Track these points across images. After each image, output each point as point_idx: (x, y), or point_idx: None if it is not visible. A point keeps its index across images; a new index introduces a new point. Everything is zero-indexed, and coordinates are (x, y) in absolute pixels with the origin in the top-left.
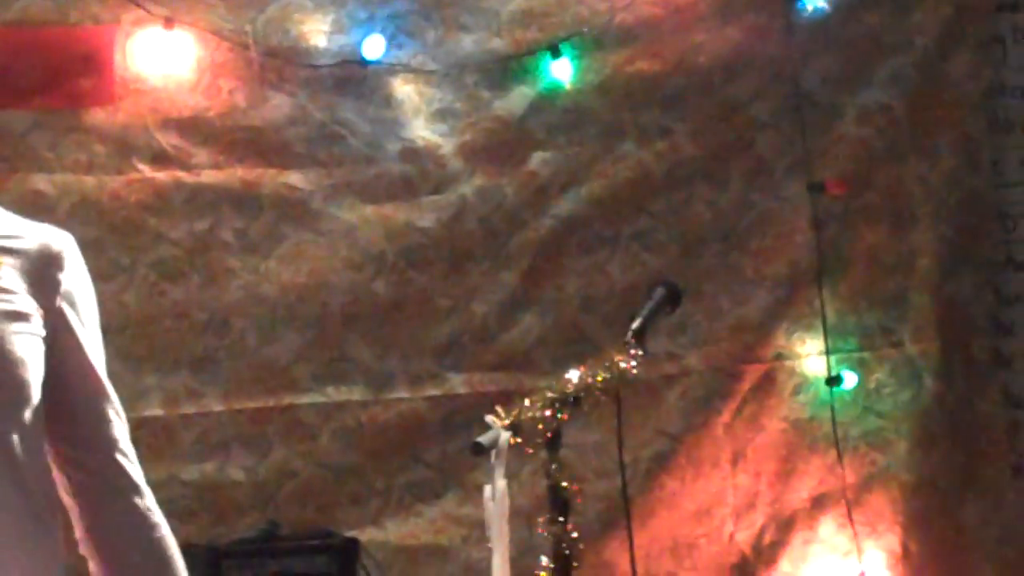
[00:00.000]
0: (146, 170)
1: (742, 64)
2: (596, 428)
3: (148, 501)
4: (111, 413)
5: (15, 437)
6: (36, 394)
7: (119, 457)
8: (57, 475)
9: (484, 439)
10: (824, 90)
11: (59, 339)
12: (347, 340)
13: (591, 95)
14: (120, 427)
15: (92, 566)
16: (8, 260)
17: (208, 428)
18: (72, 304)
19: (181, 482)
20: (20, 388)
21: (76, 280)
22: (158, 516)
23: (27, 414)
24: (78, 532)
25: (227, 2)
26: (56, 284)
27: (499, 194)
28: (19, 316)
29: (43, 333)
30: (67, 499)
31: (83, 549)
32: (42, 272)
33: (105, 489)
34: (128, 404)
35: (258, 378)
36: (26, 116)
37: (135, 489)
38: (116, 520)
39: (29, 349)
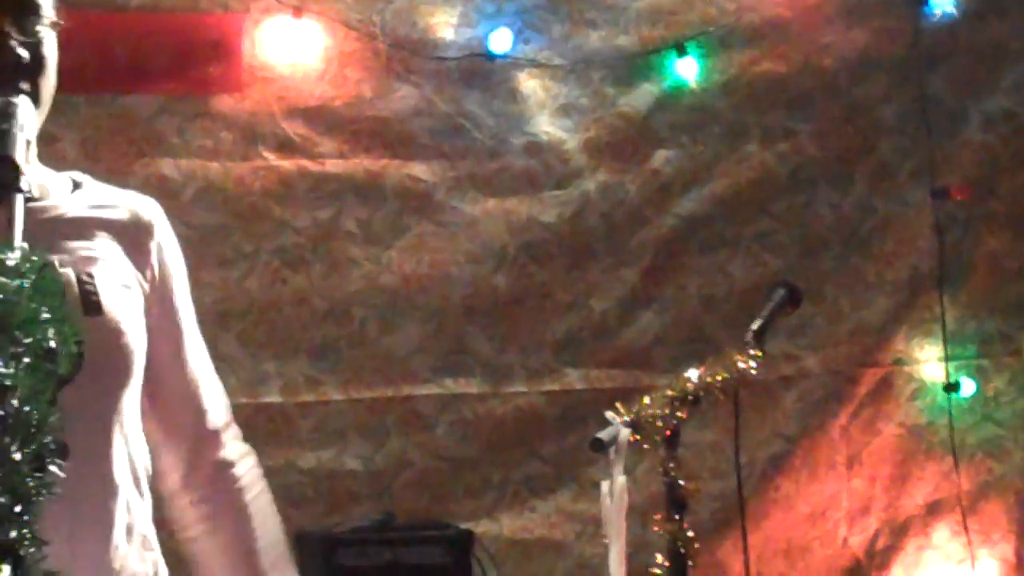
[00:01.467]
0: (271, 158)
1: (868, 67)
2: (712, 427)
3: (240, 470)
4: (203, 385)
5: (122, 406)
6: (141, 364)
7: (210, 429)
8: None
9: (604, 435)
10: (950, 95)
11: (153, 309)
12: (466, 333)
13: (716, 94)
14: (212, 399)
15: (189, 539)
16: (104, 231)
17: (326, 416)
18: (165, 274)
19: (298, 469)
20: (128, 359)
21: (168, 249)
22: (252, 485)
23: (132, 384)
24: (173, 504)
25: None
26: (148, 253)
27: (622, 191)
28: (123, 287)
29: (142, 303)
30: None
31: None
32: (136, 241)
33: (197, 462)
34: (247, 390)
35: (377, 368)
36: (154, 101)
37: (226, 463)
38: (209, 491)
39: (134, 320)
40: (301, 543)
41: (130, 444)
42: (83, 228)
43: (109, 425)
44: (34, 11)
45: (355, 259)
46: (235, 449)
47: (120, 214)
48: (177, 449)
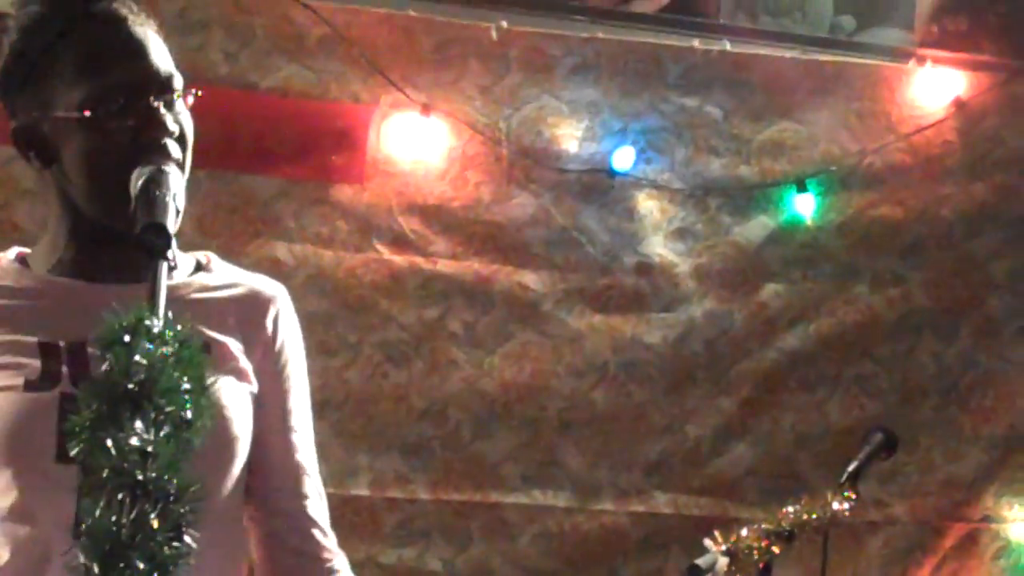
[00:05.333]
0: (384, 252)
1: (985, 221)
2: (797, 567)
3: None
4: (307, 479)
5: (223, 491)
6: (245, 450)
7: (308, 521)
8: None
9: (702, 562)
10: None
11: (266, 395)
12: (559, 445)
13: (831, 233)
14: (312, 486)
15: None
16: (220, 314)
17: (412, 515)
18: (281, 359)
19: (379, 565)
20: (232, 444)
21: (286, 328)
22: None
23: (235, 469)
24: None
25: (485, 96)
26: (264, 329)
27: (728, 320)
28: (235, 371)
29: (255, 388)
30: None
31: None
32: (252, 319)
33: (291, 553)
34: (336, 481)
35: (467, 472)
36: (274, 183)
37: (320, 559)
38: None
39: (241, 404)
40: None
41: (229, 530)
42: (199, 310)
43: (215, 504)
44: (176, 88)
45: (456, 361)
46: (341, 562)
47: (239, 292)
48: (267, 541)
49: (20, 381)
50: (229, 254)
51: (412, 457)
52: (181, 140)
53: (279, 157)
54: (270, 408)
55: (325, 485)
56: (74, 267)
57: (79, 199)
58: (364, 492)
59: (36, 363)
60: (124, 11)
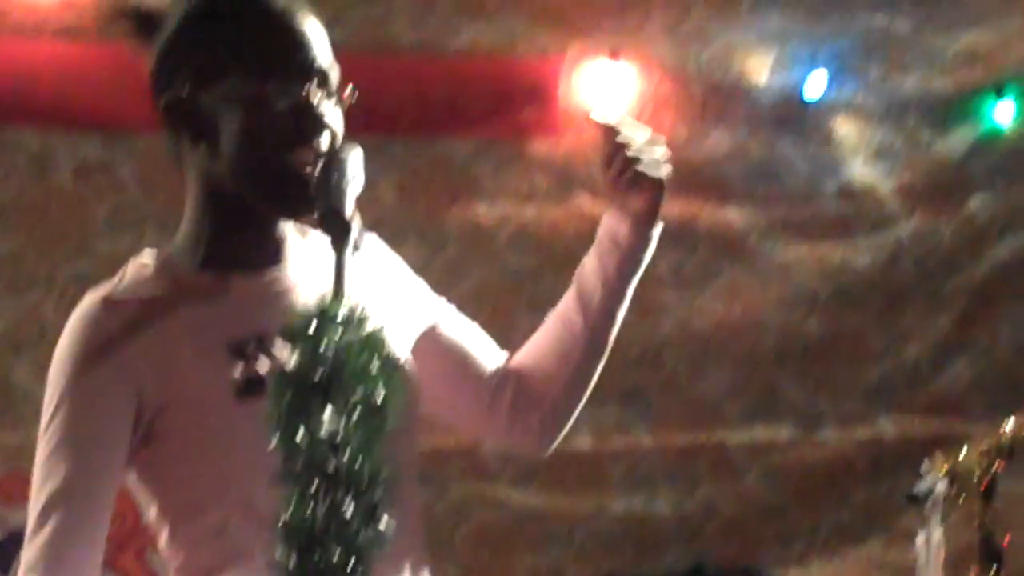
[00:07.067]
0: (586, 202)
1: None
2: None
3: None
4: (490, 344)
5: (413, 461)
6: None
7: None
8: None
9: (920, 488)
10: None
11: (417, 322)
12: (778, 379)
13: None
14: (490, 344)
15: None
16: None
17: (636, 462)
18: (401, 283)
19: (608, 515)
20: (417, 405)
21: (379, 256)
22: None
23: (418, 434)
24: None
25: (672, 36)
26: (377, 274)
27: (936, 236)
28: (396, 331)
29: (413, 331)
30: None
31: None
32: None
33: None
34: None
35: (687, 413)
36: (468, 145)
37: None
38: None
39: (411, 364)
40: None
41: (414, 491)
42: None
43: (411, 475)
44: (333, 82)
45: (666, 304)
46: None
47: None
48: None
49: (228, 390)
50: (431, 219)
51: (631, 404)
52: (332, 133)
53: (472, 118)
54: (434, 327)
55: None
56: (225, 258)
57: (228, 177)
58: (586, 445)
59: (234, 368)
60: (298, 4)
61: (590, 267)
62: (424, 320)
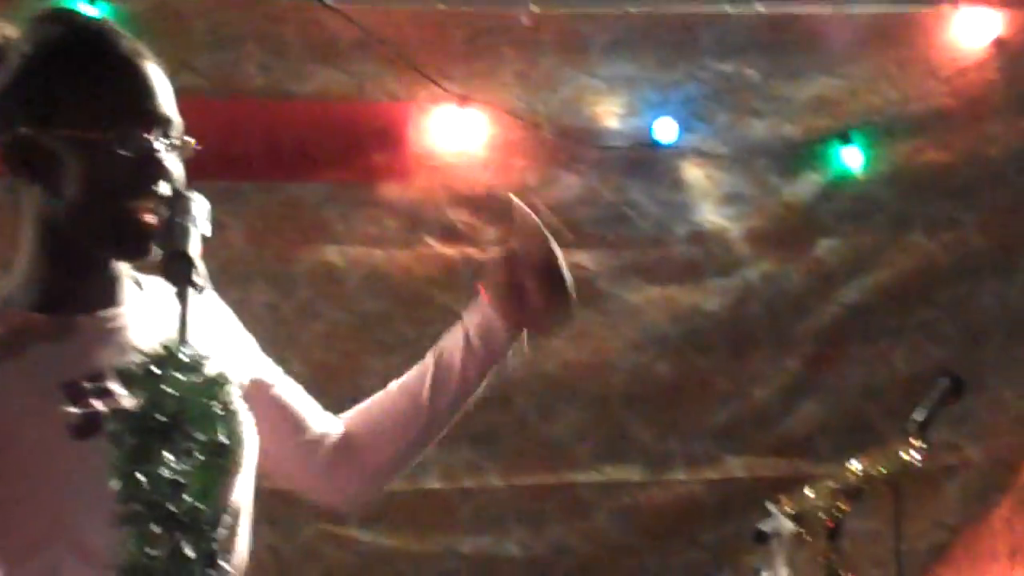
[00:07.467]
0: (436, 245)
1: None
2: (873, 517)
3: None
4: (314, 406)
5: (251, 499)
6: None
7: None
8: None
9: (766, 526)
10: None
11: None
12: (627, 420)
13: (880, 184)
14: (315, 405)
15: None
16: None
17: (486, 503)
18: (233, 334)
19: (457, 555)
20: (254, 449)
21: (215, 306)
22: None
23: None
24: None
25: (522, 82)
26: (215, 323)
27: (785, 280)
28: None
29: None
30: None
31: None
32: (215, 324)
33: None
34: (407, 476)
35: (537, 454)
36: (320, 189)
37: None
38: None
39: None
40: None
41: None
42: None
43: (247, 517)
44: (176, 133)
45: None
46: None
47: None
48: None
49: (62, 429)
50: (281, 262)
51: (482, 445)
52: (174, 180)
53: (323, 162)
54: (260, 382)
55: (397, 481)
56: (61, 299)
57: (65, 220)
58: (436, 485)
59: (69, 407)
60: (144, 51)
61: (452, 356)
62: (250, 373)
